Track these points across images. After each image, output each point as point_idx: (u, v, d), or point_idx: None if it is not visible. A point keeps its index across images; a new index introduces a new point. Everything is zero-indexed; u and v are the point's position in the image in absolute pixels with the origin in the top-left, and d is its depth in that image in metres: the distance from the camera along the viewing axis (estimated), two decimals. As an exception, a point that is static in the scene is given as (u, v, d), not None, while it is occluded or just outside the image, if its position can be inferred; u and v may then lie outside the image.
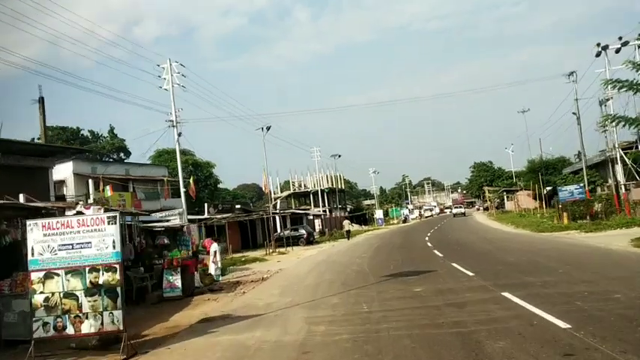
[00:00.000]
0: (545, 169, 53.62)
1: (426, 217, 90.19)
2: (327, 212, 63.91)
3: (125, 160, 56.10)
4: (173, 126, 31.62)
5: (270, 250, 32.44)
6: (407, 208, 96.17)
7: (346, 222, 47.25)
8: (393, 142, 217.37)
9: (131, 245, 16.35)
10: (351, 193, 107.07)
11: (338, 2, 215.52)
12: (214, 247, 20.05)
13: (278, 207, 54.68)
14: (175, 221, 29.17)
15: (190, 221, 31.76)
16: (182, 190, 32.02)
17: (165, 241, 23.32)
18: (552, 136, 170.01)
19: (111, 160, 57.65)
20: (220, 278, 19.61)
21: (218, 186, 63.50)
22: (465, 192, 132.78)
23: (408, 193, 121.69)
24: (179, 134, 31.64)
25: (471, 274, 12.50)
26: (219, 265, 19.85)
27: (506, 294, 9.18)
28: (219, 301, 13.29)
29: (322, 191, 66.86)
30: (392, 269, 15.55)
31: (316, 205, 65.23)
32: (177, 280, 14.53)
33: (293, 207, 63.94)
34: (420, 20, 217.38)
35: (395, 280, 13.02)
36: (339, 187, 73.12)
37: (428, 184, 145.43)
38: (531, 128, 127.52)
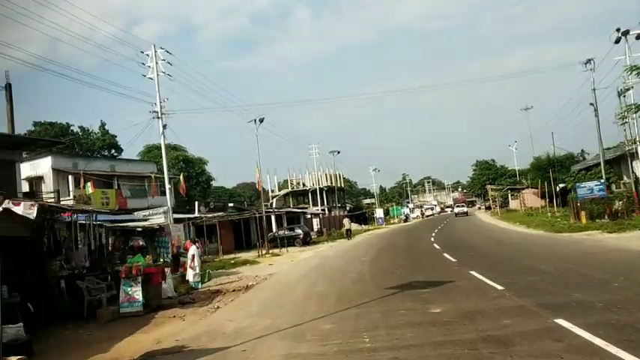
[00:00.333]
0: (552, 166, 51.08)
1: (427, 216, 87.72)
2: (326, 211, 61.41)
3: (118, 157, 53.51)
4: (158, 117, 29.23)
5: (264, 252, 29.99)
6: (408, 207, 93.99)
7: (346, 220, 44.86)
8: (393, 142, 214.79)
9: (85, 249, 13.75)
10: (350, 191, 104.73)
11: (339, 2, 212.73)
12: (192, 250, 17.49)
13: (274, 205, 52.16)
14: (159, 220, 26.54)
15: (177, 220, 29.20)
16: (167, 186, 29.73)
17: (141, 242, 20.73)
18: (556, 134, 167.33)
19: (100, 156, 55.07)
20: (200, 285, 17.09)
21: (211, 183, 60.94)
22: (465, 191, 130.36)
23: (409, 192, 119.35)
24: (164, 126, 29.26)
25: (499, 287, 9.90)
26: (198, 270, 17.28)
27: (562, 322, 6.60)
28: (186, 320, 10.76)
29: (321, 190, 64.44)
30: (398, 278, 13.00)
31: (315, 204, 62.75)
32: (137, 292, 11.92)
33: (291, 206, 61.38)
34: (422, 21, 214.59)
35: (403, 294, 10.45)
36: (339, 185, 70.72)
37: (428, 182, 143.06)
38: (534, 126, 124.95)
